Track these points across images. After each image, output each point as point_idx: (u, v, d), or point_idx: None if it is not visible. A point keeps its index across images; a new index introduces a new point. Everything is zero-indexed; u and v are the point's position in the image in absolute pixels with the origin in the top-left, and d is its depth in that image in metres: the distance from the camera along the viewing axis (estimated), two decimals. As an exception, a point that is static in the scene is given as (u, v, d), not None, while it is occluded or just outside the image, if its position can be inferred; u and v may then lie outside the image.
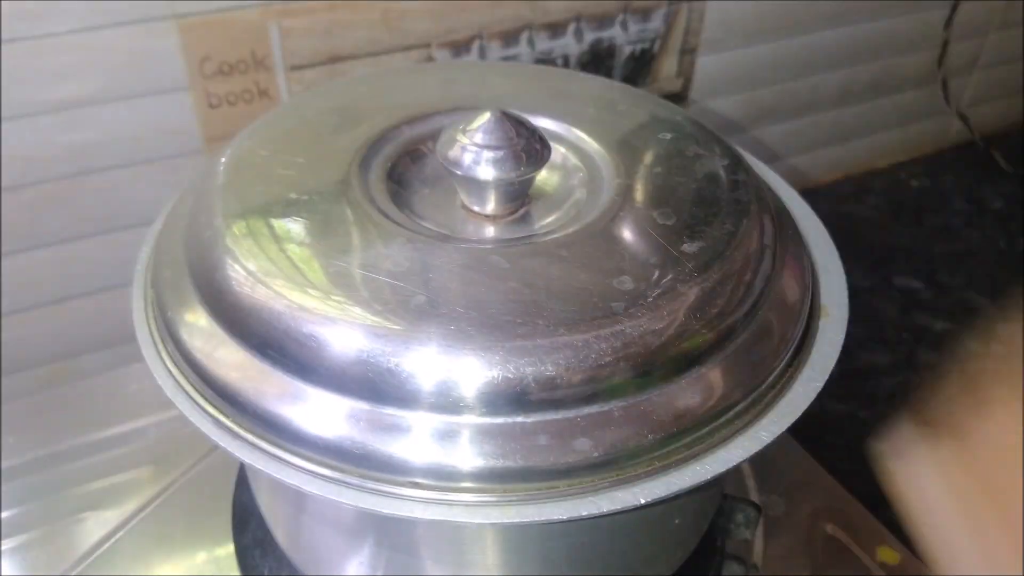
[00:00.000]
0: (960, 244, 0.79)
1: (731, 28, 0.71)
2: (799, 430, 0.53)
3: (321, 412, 0.28)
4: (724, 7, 0.69)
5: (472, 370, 0.27)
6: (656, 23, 0.67)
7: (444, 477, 0.27)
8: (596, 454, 0.27)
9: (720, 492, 0.40)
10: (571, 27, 0.64)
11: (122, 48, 0.52)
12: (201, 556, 0.44)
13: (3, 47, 0.49)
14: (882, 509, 0.49)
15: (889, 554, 0.45)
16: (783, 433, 0.30)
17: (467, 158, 0.31)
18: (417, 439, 0.27)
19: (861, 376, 0.66)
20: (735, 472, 0.48)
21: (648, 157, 0.35)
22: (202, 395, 0.30)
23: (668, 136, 0.36)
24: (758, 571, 0.44)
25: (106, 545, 0.45)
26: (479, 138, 0.31)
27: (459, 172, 0.31)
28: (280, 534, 0.39)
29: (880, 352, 0.68)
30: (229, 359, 0.30)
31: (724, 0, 0.69)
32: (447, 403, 0.27)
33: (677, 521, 0.35)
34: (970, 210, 0.83)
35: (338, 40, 0.57)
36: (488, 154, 0.31)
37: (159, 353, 0.32)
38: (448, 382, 0.27)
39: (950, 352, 0.68)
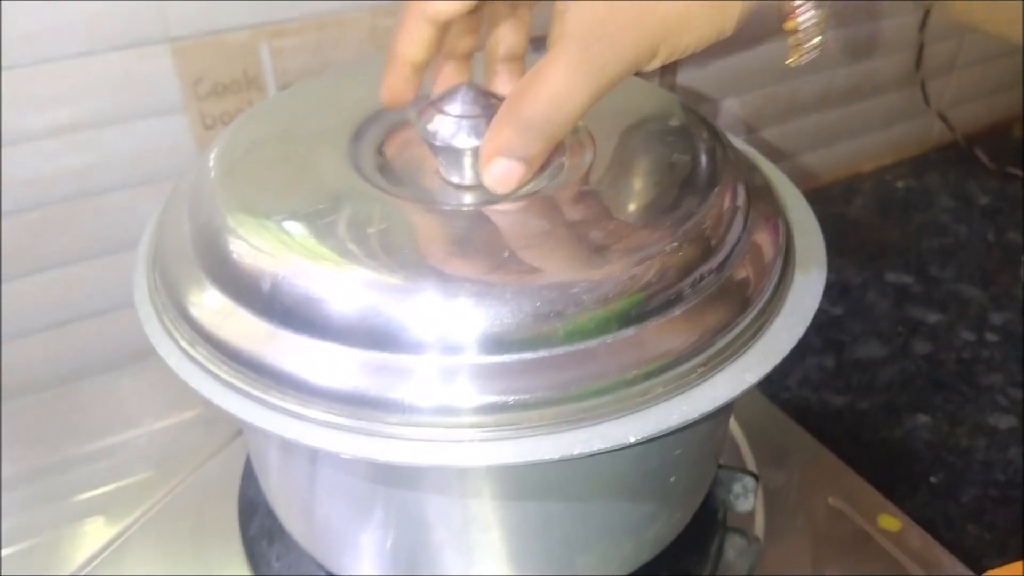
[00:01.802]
0: (949, 239, 0.80)
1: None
2: (800, 421, 0.54)
3: (328, 364, 0.29)
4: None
5: (464, 313, 0.28)
6: (636, 33, 0.69)
7: (445, 413, 0.28)
8: (574, 389, 0.28)
9: (716, 453, 0.40)
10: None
11: (118, 71, 0.54)
12: (207, 554, 0.45)
13: (2, 73, 0.51)
14: (882, 483, 0.49)
15: (890, 522, 0.46)
16: (765, 382, 0.31)
17: (445, 128, 0.32)
18: (418, 381, 0.28)
19: (859, 369, 0.66)
20: (731, 447, 0.49)
21: (624, 126, 0.36)
22: (215, 366, 0.31)
23: (644, 107, 0.38)
24: (760, 543, 0.44)
25: (110, 549, 0.45)
26: (456, 108, 0.33)
27: (437, 143, 0.33)
28: (287, 519, 0.40)
29: (876, 345, 0.69)
30: (239, 326, 0.31)
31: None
32: (443, 345, 0.28)
33: (673, 479, 0.35)
34: (957, 207, 0.85)
35: (327, 57, 0.59)
36: (465, 123, 0.32)
37: (164, 326, 0.33)
38: (443, 326, 0.28)
39: (944, 342, 0.69)
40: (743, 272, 0.32)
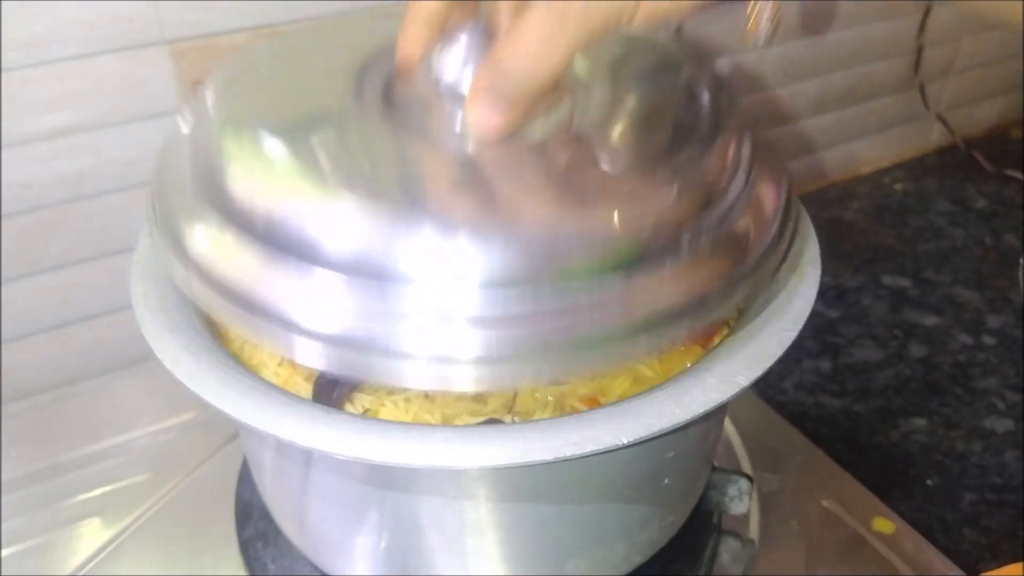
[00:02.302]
0: (945, 242, 0.80)
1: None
2: (797, 424, 0.54)
3: (322, 297, 0.28)
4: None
5: (458, 252, 0.28)
6: (633, 36, 0.69)
7: (441, 361, 0.28)
8: (564, 336, 0.28)
9: (710, 456, 0.40)
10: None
11: (115, 74, 0.54)
12: (203, 556, 0.45)
13: (0, 75, 0.51)
14: (878, 486, 0.50)
15: (885, 524, 0.46)
16: (758, 383, 0.31)
17: (450, 70, 0.32)
18: (410, 318, 0.28)
19: (855, 372, 0.66)
20: (726, 449, 0.49)
21: (634, 73, 0.36)
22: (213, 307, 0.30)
23: (655, 54, 0.37)
24: (754, 546, 0.44)
25: (106, 551, 0.46)
26: (461, 51, 0.32)
27: (442, 85, 0.32)
28: (283, 521, 0.40)
29: (872, 348, 0.69)
30: (243, 256, 0.30)
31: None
32: (436, 282, 0.28)
33: (666, 481, 0.36)
34: (954, 210, 0.85)
35: (324, 60, 0.59)
36: (470, 66, 0.32)
37: (167, 320, 0.33)
38: (436, 264, 0.28)
39: (940, 345, 0.69)
40: (744, 223, 0.32)
